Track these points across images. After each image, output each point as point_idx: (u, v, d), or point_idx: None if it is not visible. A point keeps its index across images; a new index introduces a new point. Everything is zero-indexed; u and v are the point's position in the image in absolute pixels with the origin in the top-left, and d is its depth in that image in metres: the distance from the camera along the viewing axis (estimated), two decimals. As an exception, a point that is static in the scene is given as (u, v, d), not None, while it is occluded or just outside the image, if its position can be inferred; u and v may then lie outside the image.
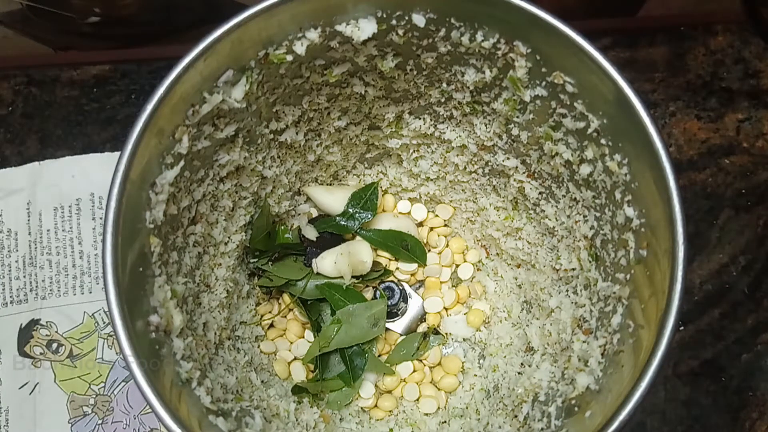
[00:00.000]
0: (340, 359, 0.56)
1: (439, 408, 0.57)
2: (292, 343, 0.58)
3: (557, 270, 0.53)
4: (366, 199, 0.58)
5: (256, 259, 0.56)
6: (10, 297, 0.60)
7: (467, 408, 0.56)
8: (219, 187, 0.49)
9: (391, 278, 0.60)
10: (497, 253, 0.60)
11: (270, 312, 0.58)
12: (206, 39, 0.39)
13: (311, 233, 0.58)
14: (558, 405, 0.46)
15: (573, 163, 0.47)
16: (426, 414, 0.57)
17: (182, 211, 0.45)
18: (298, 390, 0.54)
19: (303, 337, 0.58)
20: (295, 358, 0.57)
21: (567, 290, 0.51)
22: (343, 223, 0.58)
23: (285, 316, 0.59)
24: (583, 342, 0.47)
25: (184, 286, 0.46)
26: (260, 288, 0.58)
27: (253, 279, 0.58)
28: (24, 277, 0.60)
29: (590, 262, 0.48)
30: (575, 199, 0.49)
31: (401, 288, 0.59)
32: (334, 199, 0.58)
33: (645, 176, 0.41)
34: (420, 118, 0.55)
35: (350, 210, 0.58)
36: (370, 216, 0.58)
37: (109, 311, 0.37)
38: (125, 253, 0.38)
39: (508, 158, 0.53)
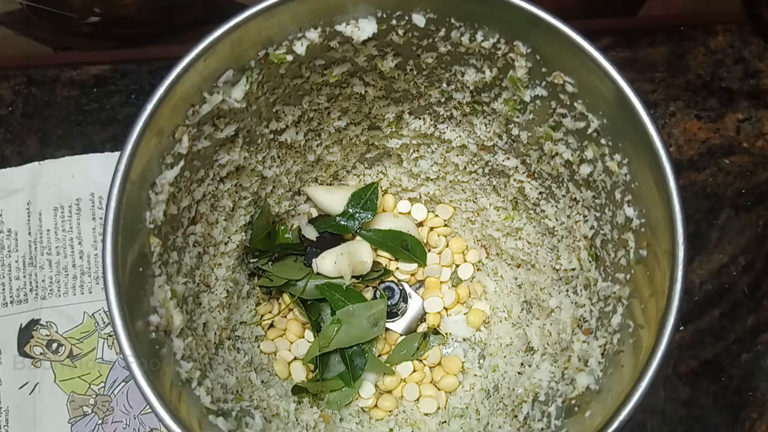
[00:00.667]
0: (340, 359, 0.56)
1: (439, 408, 0.57)
2: (292, 343, 0.58)
3: (557, 270, 0.53)
4: (366, 199, 0.58)
5: (256, 259, 0.56)
6: (10, 297, 0.60)
7: (467, 408, 0.56)
8: (219, 187, 0.49)
9: (391, 278, 0.60)
10: (497, 253, 0.60)
11: (270, 312, 0.58)
12: (206, 39, 0.39)
13: (311, 233, 0.58)
14: (558, 405, 0.46)
15: (573, 163, 0.47)
16: (426, 414, 0.57)
17: (182, 211, 0.45)
18: (298, 390, 0.54)
19: (303, 337, 0.58)
20: (295, 358, 0.57)
21: (567, 290, 0.52)
22: (343, 223, 0.58)
23: (285, 316, 0.59)
24: (583, 342, 0.47)
25: (184, 286, 0.46)
26: (260, 288, 0.58)
27: (253, 279, 0.58)
28: (24, 277, 0.60)
29: (590, 262, 0.48)
30: (575, 199, 0.49)
31: (401, 288, 0.59)
32: (334, 199, 0.58)
33: (645, 176, 0.41)
34: (420, 118, 0.55)
35: (350, 210, 0.58)
36: (370, 216, 0.58)
37: (109, 311, 0.37)
38: (125, 253, 0.38)
39: (508, 158, 0.53)
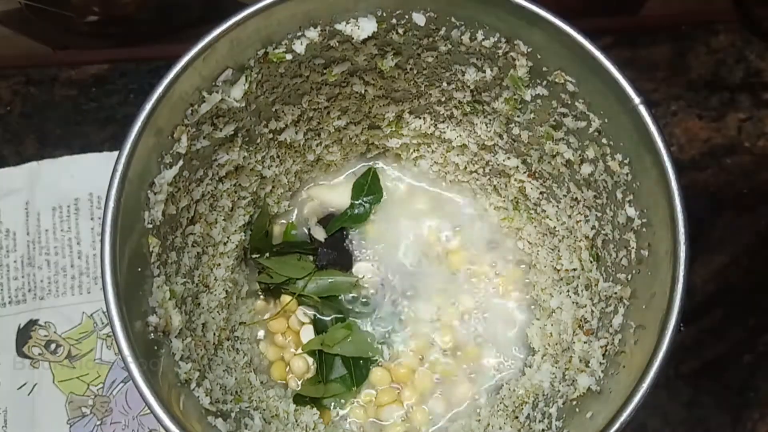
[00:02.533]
0: (342, 363, 0.56)
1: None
2: (291, 343, 0.57)
3: (558, 270, 0.53)
4: (368, 184, 0.59)
5: (258, 255, 0.56)
6: (9, 297, 0.60)
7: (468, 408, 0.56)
8: (218, 186, 0.49)
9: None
10: (498, 253, 0.60)
11: (270, 312, 0.58)
12: (205, 38, 0.39)
13: (320, 234, 0.58)
14: (559, 406, 0.46)
15: (574, 163, 0.47)
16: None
17: (181, 211, 0.45)
18: (300, 399, 0.54)
19: (302, 338, 0.58)
20: (295, 355, 0.57)
21: (568, 291, 0.51)
22: (355, 212, 0.59)
23: (285, 317, 0.58)
24: (584, 343, 0.47)
25: (183, 286, 0.46)
26: (260, 284, 0.58)
27: (255, 275, 0.58)
28: (22, 277, 0.60)
29: (591, 262, 0.48)
30: (576, 198, 0.49)
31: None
32: (338, 194, 0.58)
33: (646, 176, 0.40)
34: (420, 118, 0.55)
35: (357, 201, 0.59)
36: (377, 198, 0.59)
37: (107, 312, 0.37)
38: (123, 253, 0.38)
39: (508, 158, 0.53)
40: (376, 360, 0.56)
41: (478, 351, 0.57)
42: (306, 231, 0.59)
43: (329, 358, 0.55)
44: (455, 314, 0.58)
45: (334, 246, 0.58)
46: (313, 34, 0.43)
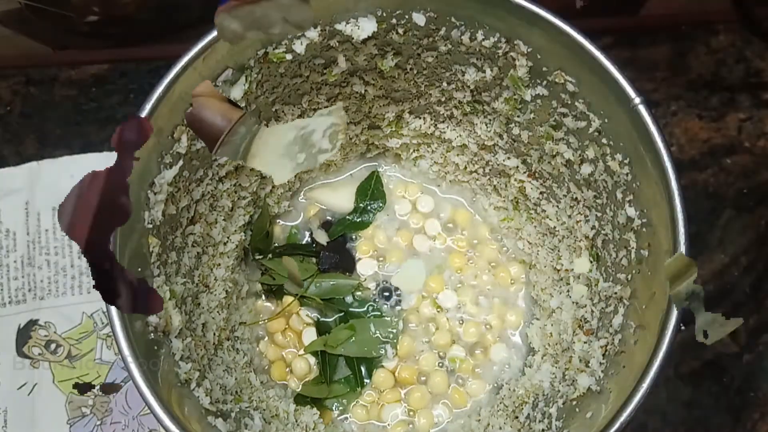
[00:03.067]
0: (346, 363, 0.56)
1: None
2: (291, 342, 0.57)
3: (558, 270, 0.52)
4: (372, 188, 0.59)
5: (261, 256, 0.56)
6: (9, 297, 0.60)
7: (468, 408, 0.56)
8: (218, 186, 0.49)
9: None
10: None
11: (270, 312, 0.58)
12: (205, 38, 0.39)
13: (322, 237, 0.58)
14: (559, 406, 0.46)
15: (574, 163, 0.47)
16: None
17: (181, 210, 0.45)
18: (301, 399, 0.54)
19: (302, 339, 0.58)
20: (298, 356, 0.57)
21: (568, 290, 0.51)
22: (357, 220, 0.58)
23: (285, 316, 0.58)
24: (584, 343, 0.47)
25: (183, 286, 0.46)
26: (262, 285, 0.58)
27: (256, 275, 0.58)
28: (22, 277, 0.60)
29: (591, 262, 0.48)
30: (576, 198, 0.49)
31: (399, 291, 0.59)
32: (339, 197, 0.58)
33: (646, 176, 0.40)
34: (420, 118, 0.55)
35: (361, 204, 0.58)
36: (381, 204, 0.58)
37: (107, 312, 0.37)
38: (123, 253, 0.38)
39: (508, 158, 0.53)
40: (380, 360, 0.56)
41: (480, 352, 0.58)
42: (308, 234, 0.59)
43: (332, 358, 0.55)
44: (456, 314, 0.58)
45: (336, 249, 0.58)
46: (313, 34, 0.43)
